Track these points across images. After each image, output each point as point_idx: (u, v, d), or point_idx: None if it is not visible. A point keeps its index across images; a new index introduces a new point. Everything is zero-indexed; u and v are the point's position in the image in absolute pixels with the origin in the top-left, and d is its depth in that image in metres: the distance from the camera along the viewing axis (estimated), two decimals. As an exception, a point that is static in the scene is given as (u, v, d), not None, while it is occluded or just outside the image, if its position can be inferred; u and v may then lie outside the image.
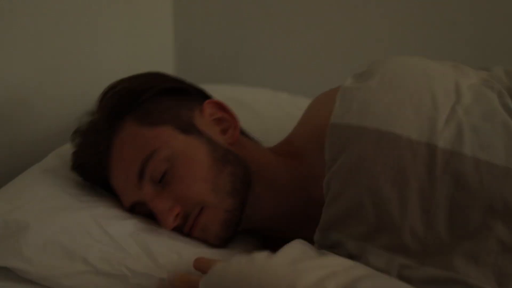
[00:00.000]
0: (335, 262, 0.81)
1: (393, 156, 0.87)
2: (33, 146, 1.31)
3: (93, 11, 1.46)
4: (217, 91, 1.30)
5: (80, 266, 0.97)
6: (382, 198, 0.86)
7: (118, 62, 1.53)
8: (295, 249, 0.85)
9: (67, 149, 1.20)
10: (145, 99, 1.07)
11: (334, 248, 0.90)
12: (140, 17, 1.66)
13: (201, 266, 0.94)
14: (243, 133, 1.15)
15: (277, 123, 1.35)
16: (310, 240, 0.92)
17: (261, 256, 0.81)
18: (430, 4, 1.66)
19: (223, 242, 1.05)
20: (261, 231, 1.13)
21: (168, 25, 1.79)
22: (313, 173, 1.02)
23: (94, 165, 1.07)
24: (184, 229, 1.04)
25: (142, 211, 1.06)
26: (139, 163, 1.02)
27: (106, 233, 0.99)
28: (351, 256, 0.88)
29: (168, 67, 1.76)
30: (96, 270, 0.97)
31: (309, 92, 1.57)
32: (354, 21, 1.71)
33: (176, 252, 1.00)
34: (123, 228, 1.01)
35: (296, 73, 1.77)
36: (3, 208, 1.01)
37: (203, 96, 1.15)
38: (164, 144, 1.02)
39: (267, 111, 1.42)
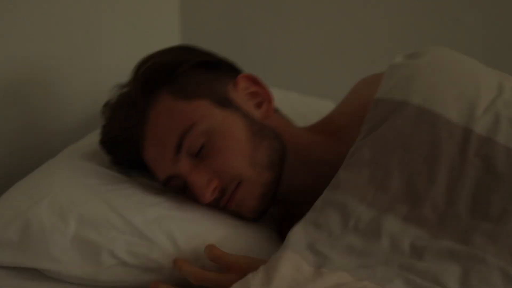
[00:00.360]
0: (332, 282, 0.81)
1: (430, 133, 0.90)
2: (52, 134, 1.33)
3: (99, 10, 1.47)
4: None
5: (109, 260, 0.96)
6: (412, 171, 0.89)
7: (122, 60, 1.54)
8: (290, 269, 0.83)
9: (83, 143, 1.21)
10: (180, 72, 1.06)
11: (334, 207, 0.90)
12: (146, 16, 1.67)
13: (214, 257, 0.95)
14: (276, 110, 1.15)
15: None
16: None
17: (257, 285, 0.81)
18: (433, 2, 1.68)
19: (258, 215, 1.06)
20: (283, 205, 1.14)
21: (174, 25, 1.80)
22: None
23: (126, 139, 1.07)
24: (221, 203, 1.04)
25: (176, 185, 1.06)
26: (177, 137, 1.02)
27: (129, 223, 0.99)
28: (359, 220, 0.88)
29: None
30: (124, 263, 0.97)
31: (315, 91, 1.59)
32: (357, 21, 1.72)
33: (201, 238, 0.99)
34: (146, 216, 1.00)
35: (301, 73, 1.78)
36: (24, 204, 1.00)
37: (234, 70, 1.15)
38: (202, 118, 1.03)
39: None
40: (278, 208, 1.17)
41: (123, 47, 1.55)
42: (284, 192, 1.08)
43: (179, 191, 1.07)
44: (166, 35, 1.78)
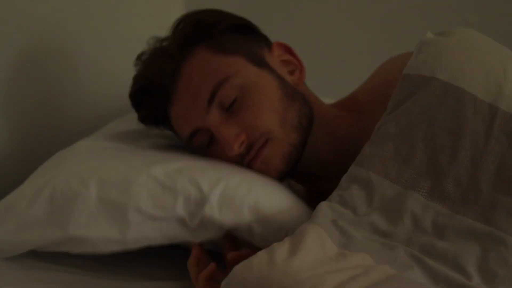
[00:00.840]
0: (355, 264, 0.81)
1: (455, 109, 0.90)
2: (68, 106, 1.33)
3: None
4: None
5: (135, 217, 0.94)
6: (436, 145, 0.89)
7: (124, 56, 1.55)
8: (315, 243, 0.83)
9: (93, 137, 1.19)
10: (218, 30, 1.08)
11: (359, 183, 0.90)
12: (151, 13, 1.67)
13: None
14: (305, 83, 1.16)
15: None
16: None
17: (282, 257, 0.80)
18: (441, 2, 1.67)
19: (281, 175, 1.06)
20: (308, 181, 1.14)
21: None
22: (371, 127, 1.00)
23: (158, 88, 1.07)
24: (246, 158, 1.04)
25: (200, 142, 1.06)
26: (211, 88, 1.03)
27: (150, 176, 0.96)
28: (383, 197, 0.88)
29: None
30: (153, 216, 0.94)
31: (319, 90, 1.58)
32: (362, 20, 1.73)
33: (225, 182, 0.97)
34: (167, 168, 0.98)
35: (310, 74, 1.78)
36: (41, 181, 0.98)
37: (267, 39, 1.15)
38: (238, 72, 1.04)
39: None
40: (305, 186, 1.17)
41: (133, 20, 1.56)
42: (308, 163, 1.08)
43: (202, 149, 1.07)
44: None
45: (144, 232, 0.94)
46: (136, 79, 1.10)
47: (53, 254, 1.01)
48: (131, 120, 1.20)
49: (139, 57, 1.13)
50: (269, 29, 1.73)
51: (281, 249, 0.81)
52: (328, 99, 1.48)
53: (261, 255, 0.81)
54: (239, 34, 1.10)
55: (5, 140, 1.20)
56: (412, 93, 0.93)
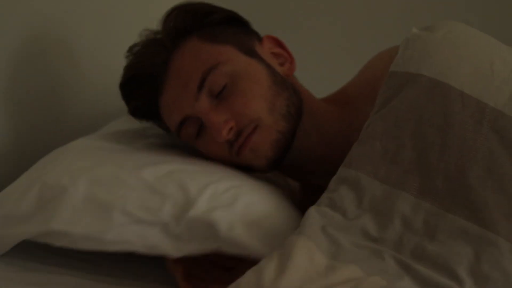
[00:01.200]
0: (345, 277, 0.79)
1: (443, 105, 0.90)
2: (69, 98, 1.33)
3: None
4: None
5: (120, 217, 0.94)
6: (424, 143, 0.89)
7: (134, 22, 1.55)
8: (304, 258, 0.82)
9: (91, 136, 1.20)
10: (210, 21, 1.09)
11: (348, 184, 0.89)
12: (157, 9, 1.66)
13: None
14: (295, 77, 1.17)
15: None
16: None
17: (270, 277, 0.79)
18: (440, 3, 1.67)
19: (270, 163, 1.06)
20: (302, 177, 1.15)
21: None
22: (360, 121, 1.01)
23: (148, 78, 1.08)
24: (235, 145, 1.04)
25: (189, 132, 1.06)
26: (200, 74, 1.04)
27: (140, 179, 0.97)
28: (373, 198, 0.87)
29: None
30: (138, 219, 0.94)
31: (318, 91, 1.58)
32: (362, 20, 1.72)
33: (213, 187, 0.97)
34: (157, 171, 0.99)
35: (305, 72, 1.78)
36: (32, 176, 1.00)
37: (257, 33, 1.17)
38: (228, 60, 1.05)
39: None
40: (300, 182, 1.18)
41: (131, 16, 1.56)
42: (299, 156, 1.08)
43: (191, 141, 1.07)
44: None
45: (124, 235, 0.94)
46: (126, 69, 1.11)
47: (52, 256, 1.02)
48: (130, 120, 1.21)
49: (130, 49, 1.13)
50: (268, 28, 1.74)
51: (269, 268, 0.80)
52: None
53: (248, 277, 0.81)
54: (230, 26, 1.11)
55: (6, 136, 1.20)
56: (399, 90, 0.93)
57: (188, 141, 1.09)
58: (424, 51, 0.95)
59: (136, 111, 1.14)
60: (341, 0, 1.74)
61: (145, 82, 1.09)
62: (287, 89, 1.08)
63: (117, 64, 1.19)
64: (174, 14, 1.10)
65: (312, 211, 0.88)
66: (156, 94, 1.08)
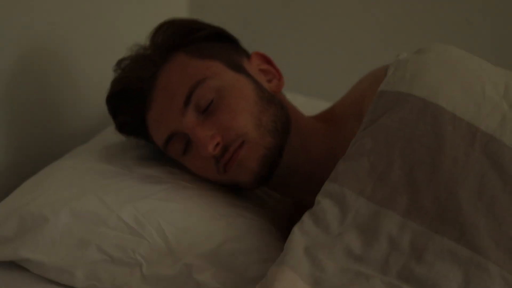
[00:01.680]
0: None
1: (434, 125, 0.88)
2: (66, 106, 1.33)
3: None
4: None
5: (94, 254, 0.97)
6: (413, 162, 0.87)
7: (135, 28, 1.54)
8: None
9: (83, 148, 1.22)
10: (198, 37, 1.10)
11: (332, 199, 0.87)
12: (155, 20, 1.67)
13: None
14: (284, 94, 1.17)
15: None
16: None
17: None
18: (443, 3, 1.67)
19: (257, 179, 1.06)
20: (288, 194, 1.15)
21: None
22: (347, 139, 1.00)
23: (135, 92, 1.08)
24: (221, 161, 1.04)
25: (176, 147, 1.07)
26: (187, 89, 1.04)
27: (120, 219, 0.99)
28: (357, 215, 0.86)
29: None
30: (111, 258, 0.97)
31: (322, 95, 1.59)
32: (366, 22, 1.72)
33: (192, 232, 0.99)
34: (137, 210, 1.00)
35: (308, 76, 1.78)
36: (19, 201, 1.02)
37: (245, 50, 1.17)
38: (215, 75, 1.05)
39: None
40: (292, 200, 1.18)
41: (133, 21, 1.57)
42: (288, 174, 1.08)
43: (179, 156, 1.08)
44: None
45: (96, 272, 0.97)
46: (114, 83, 1.11)
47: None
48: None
49: (119, 63, 1.13)
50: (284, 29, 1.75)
51: None
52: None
53: None
54: (218, 42, 1.12)
55: (2, 147, 1.21)
56: (389, 109, 0.91)
57: (175, 157, 1.10)
58: (415, 72, 0.93)
59: (123, 127, 1.14)
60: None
61: (132, 96, 1.09)
62: (274, 105, 1.07)
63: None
64: (162, 30, 1.11)
65: (296, 231, 0.87)
66: (144, 109, 1.09)
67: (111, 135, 1.22)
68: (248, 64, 1.12)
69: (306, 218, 0.87)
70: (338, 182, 0.88)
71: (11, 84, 1.20)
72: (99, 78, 1.35)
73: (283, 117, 1.08)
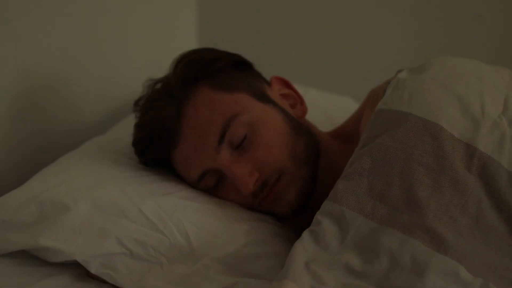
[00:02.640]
0: None
1: (434, 145, 0.88)
2: (66, 137, 1.31)
3: (116, 8, 1.47)
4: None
5: (113, 247, 0.96)
6: (413, 181, 0.86)
7: (140, 59, 1.53)
8: None
9: (102, 138, 1.22)
10: (218, 68, 1.07)
11: (331, 219, 0.87)
12: (164, 14, 1.66)
13: None
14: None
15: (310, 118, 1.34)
16: None
17: None
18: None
19: (293, 211, 1.05)
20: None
21: (192, 22, 1.78)
22: None
23: (162, 133, 1.05)
24: (260, 196, 1.03)
25: (208, 183, 1.05)
26: (220, 127, 1.02)
27: (141, 212, 0.98)
28: (357, 234, 0.85)
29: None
30: (131, 253, 0.96)
31: (334, 90, 1.58)
32: (375, 17, 1.71)
33: (212, 231, 0.99)
34: (158, 205, 0.99)
35: (319, 73, 1.78)
36: (40, 188, 1.01)
37: (260, 74, 1.15)
38: (244, 109, 1.03)
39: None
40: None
41: (137, 52, 1.55)
42: (319, 195, 1.06)
43: (211, 190, 1.06)
44: (183, 42, 1.76)
45: (113, 262, 0.96)
46: (139, 127, 1.09)
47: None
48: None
49: (137, 103, 1.11)
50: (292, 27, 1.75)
51: None
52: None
53: None
54: (238, 71, 1.09)
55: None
56: (387, 128, 0.90)
57: (205, 190, 1.08)
58: (414, 91, 0.93)
59: (149, 163, 1.11)
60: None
61: (159, 138, 1.06)
62: (303, 133, 1.07)
63: (114, 100, 1.19)
64: (181, 64, 1.08)
65: (297, 247, 0.86)
66: (171, 147, 1.06)
67: (126, 127, 1.21)
68: (270, 91, 1.10)
69: (306, 236, 0.87)
70: (337, 201, 0.88)
71: (10, 111, 1.20)
72: (101, 102, 1.37)
73: (313, 144, 1.07)
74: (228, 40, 1.77)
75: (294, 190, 1.03)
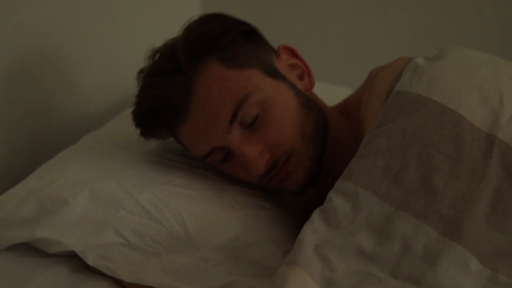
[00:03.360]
0: None
1: (453, 132, 0.87)
2: (65, 131, 1.32)
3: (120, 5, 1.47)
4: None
5: (112, 237, 0.96)
6: (431, 166, 0.85)
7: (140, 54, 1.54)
8: None
9: (100, 132, 1.22)
10: (227, 41, 1.03)
11: (345, 197, 0.86)
12: (167, 8, 1.67)
13: None
14: None
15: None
16: None
17: None
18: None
19: (301, 189, 1.05)
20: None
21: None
22: (361, 136, 1.00)
23: (170, 109, 1.02)
24: (268, 175, 1.03)
25: (216, 158, 1.04)
26: (232, 106, 0.99)
27: (138, 203, 0.98)
28: (370, 214, 0.84)
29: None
30: (129, 243, 0.96)
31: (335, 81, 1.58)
32: (378, 10, 1.72)
33: (209, 220, 0.99)
34: (155, 196, 1.00)
35: (320, 62, 1.78)
36: (37, 184, 1.01)
37: (267, 41, 1.12)
38: (256, 88, 1.01)
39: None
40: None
41: (138, 45, 1.54)
42: (327, 171, 1.06)
43: (218, 164, 1.06)
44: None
45: (110, 253, 0.96)
46: (142, 98, 1.05)
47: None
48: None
49: (141, 71, 1.08)
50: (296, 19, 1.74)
51: None
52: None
53: None
54: (247, 42, 1.06)
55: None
56: (406, 110, 0.90)
57: (213, 164, 1.07)
58: (434, 77, 0.92)
59: (151, 137, 1.10)
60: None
61: (165, 113, 1.03)
62: (313, 110, 1.05)
63: (115, 80, 1.18)
64: (189, 36, 1.04)
65: (305, 229, 0.85)
66: (178, 122, 1.03)
67: (124, 120, 1.22)
68: (278, 62, 1.07)
69: (316, 216, 0.86)
70: (352, 180, 0.86)
71: (5, 87, 1.19)
72: (101, 83, 1.36)
73: (322, 121, 1.06)
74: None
75: (302, 169, 1.03)
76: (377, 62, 1.14)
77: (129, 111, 1.17)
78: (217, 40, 1.02)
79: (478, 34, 1.64)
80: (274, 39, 1.66)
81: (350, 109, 1.12)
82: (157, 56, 1.07)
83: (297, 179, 1.04)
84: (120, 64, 1.45)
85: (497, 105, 0.90)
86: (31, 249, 1.00)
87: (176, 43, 1.05)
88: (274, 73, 1.04)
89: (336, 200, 0.85)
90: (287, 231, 1.03)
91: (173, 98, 1.01)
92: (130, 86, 1.15)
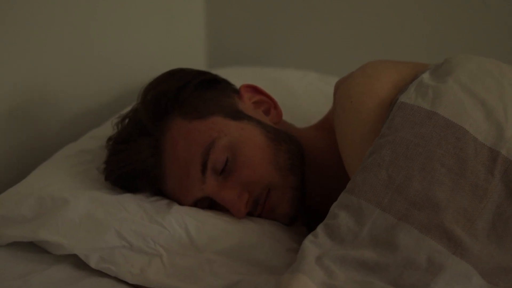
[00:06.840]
0: None
1: (456, 146, 0.87)
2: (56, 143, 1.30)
3: (124, 3, 1.48)
4: (248, 72, 1.33)
5: (113, 239, 0.96)
6: (433, 179, 0.86)
7: (148, 47, 1.53)
8: None
9: (98, 131, 1.23)
10: (186, 95, 1.05)
11: (348, 211, 0.86)
12: (171, 7, 1.66)
13: None
14: None
15: (309, 98, 1.34)
16: None
17: None
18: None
19: (291, 219, 1.06)
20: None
21: (200, 12, 1.75)
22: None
23: (142, 172, 1.03)
24: (255, 214, 1.04)
25: (204, 206, 1.05)
26: (200, 156, 1.01)
27: (139, 206, 1.00)
28: (373, 227, 0.85)
29: (199, 56, 1.77)
30: (131, 245, 0.96)
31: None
32: (383, 7, 1.71)
33: (212, 225, 1.00)
34: (158, 201, 1.01)
35: (321, 55, 1.78)
36: (37, 184, 1.02)
37: (230, 84, 1.14)
38: (221, 133, 1.02)
39: (300, 87, 1.41)
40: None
41: (144, 28, 1.55)
42: (313, 194, 1.08)
43: (206, 208, 1.06)
44: (191, 25, 1.75)
45: (113, 256, 0.96)
46: (113, 163, 1.05)
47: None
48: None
49: (110, 139, 1.09)
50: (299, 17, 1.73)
51: None
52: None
53: None
54: (206, 90, 1.07)
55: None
56: (410, 123, 0.90)
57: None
58: (438, 91, 0.92)
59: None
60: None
61: (142, 178, 1.04)
62: (284, 140, 1.06)
63: (113, 92, 1.16)
64: (148, 97, 1.06)
65: (307, 243, 0.86)
66: (156, 183, 1.05)
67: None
68: (241, 103, 1.08)
69: (320, 231, 0.86)
70: (355, 193, 0.87)
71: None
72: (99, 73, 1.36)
73: (295, 149, 1.07)
74: (235, 31, 1.79)
75: (286, 200, 1.04)
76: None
77: (127, 109, 1.19)
78: (175, 97, 1.04)
79: (478, 34, 1.63)
80: (280, 38, 1.67)
81: (330, 122, 1.12)
82: (126, 121, 1.09)
83: (284, 211, 1.05)
84: (125, 60, 1.46)
85: (501, 118, 0.90)
86: (35, 245, 1.00)
87: (138, 107, 1.07)
88: (237, 115, 1.05)
89: (340, 215, 0.86)
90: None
91: (145, 162, 1.03)
92: (130, 86, 1.15)
